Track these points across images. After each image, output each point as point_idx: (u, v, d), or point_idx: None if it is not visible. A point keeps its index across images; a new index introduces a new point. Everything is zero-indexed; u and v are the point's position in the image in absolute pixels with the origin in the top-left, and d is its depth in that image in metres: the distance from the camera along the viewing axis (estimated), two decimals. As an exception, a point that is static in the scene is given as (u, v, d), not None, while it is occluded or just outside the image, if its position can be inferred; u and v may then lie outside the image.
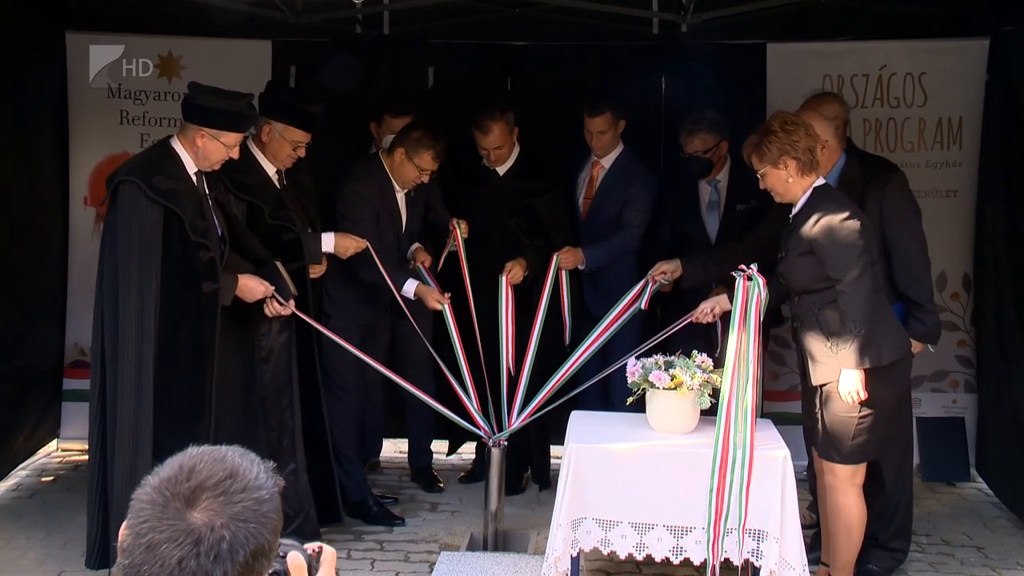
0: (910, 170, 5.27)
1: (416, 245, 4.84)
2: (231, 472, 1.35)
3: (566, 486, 3.55)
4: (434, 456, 5.38)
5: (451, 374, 4.41)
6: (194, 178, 3.87)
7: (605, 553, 3.67)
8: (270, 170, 4.34)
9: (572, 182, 5.10)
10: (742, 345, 3.59)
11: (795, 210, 3.77)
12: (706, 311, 4.01)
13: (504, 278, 4.63)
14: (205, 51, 5.49)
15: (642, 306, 4.32)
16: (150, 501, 1.33)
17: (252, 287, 4.00)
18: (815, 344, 3.74)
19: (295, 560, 1.44)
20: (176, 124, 5.40)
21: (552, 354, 4.54)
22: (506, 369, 4.44)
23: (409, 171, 4.63)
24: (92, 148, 5.59)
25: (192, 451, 1.38)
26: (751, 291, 3.64)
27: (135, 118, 5.58)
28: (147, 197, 3.69)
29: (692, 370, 3.68)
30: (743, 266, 3.70)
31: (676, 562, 3.58)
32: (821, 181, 3.78)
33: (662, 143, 5.46)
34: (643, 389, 3.74)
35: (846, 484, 3.77)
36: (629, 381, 3.77)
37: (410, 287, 4.57)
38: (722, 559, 3.50)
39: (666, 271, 4.29)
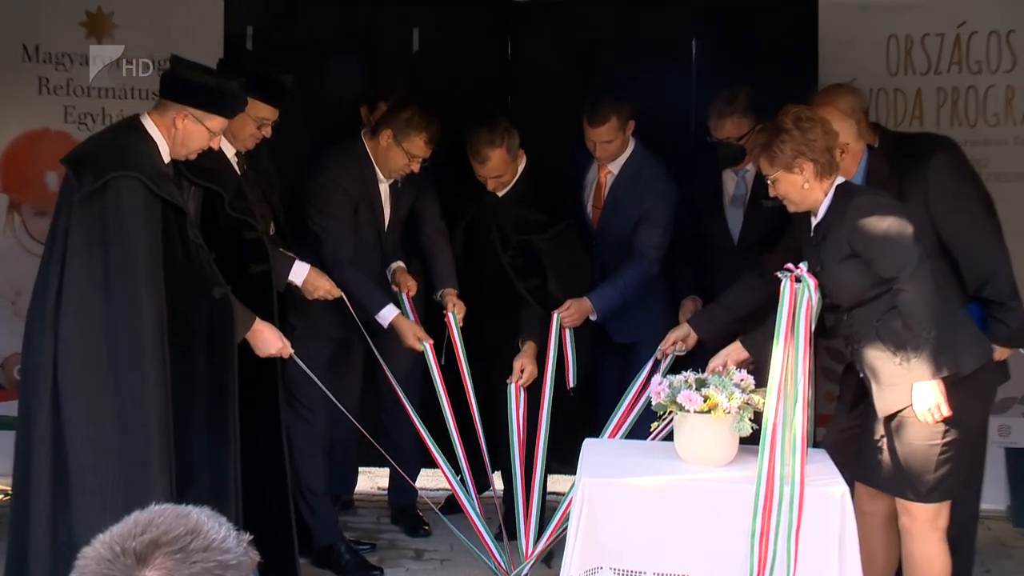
0: (994, 148, 5.25)
1: (399, 265, 4.84)
2: (193, 529, 1.38)
3: (578, 529, 3.51)
4: (419, 493, 5.34)
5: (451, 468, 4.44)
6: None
7: (625, 610, 3.65)
8: (229, 152, 4.31)
9: (579, 185, 5.05)
10: (789, 360, 3.56)
11: (819, 217, 3.76)
12: (717, 369, 3.95)
13: (514, 385, 4.56)
14: (143, 8, 5.45)
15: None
16: (96, 557, 1.35)
17: (267, 337, 4.00)
18: (881, 363, 3.68)
19: None
20: (109, 94, 5.40)
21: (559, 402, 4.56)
22: (522, 495, 4.39)
23: (397, 158, 4.62)
24: (5, 123, 5.55)
25: (153, 507, 1.41)
26: (799, 295, 3.62)
27: (57, 87, 5.52)
28: (152, 193, 3.67)
29: (729, 390, 3.63)
30: (790, 266, 3.68)
31: (711, 621, 3.55)
32: (841, 179, 3.77)
33: (692, 117, 5.45)
34: (670, 413, 3.71)
35: (927, 528, 3.72)
36: (654, 403, 3.74)
37: (388, 313, 4.56)
38: (767, 617, 3.47)
39: (678, 339, 4.32)
